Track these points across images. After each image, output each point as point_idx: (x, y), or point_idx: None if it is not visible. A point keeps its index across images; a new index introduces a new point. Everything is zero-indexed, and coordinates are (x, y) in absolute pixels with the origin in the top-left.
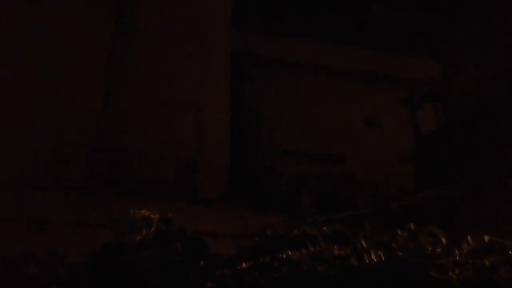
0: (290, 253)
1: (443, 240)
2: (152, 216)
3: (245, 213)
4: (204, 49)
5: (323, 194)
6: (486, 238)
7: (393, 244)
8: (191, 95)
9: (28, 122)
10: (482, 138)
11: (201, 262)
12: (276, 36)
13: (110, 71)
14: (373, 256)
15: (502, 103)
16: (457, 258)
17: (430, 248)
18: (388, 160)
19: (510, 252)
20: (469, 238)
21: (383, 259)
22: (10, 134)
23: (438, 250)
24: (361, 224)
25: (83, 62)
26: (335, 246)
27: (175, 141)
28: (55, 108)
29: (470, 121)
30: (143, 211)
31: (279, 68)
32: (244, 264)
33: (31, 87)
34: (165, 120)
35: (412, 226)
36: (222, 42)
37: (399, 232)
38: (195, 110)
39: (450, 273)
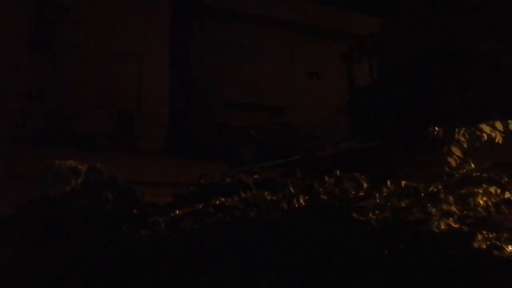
0: (223, 199)
1: (365, 185)
2: (79, 166)
3: (186, 163)
4: None
5: (266, 144)
6: (403, 183)
7: (320, 189)
8: (131, 45)
9: None
10: (412, 93)
11: (134, 211)
12: None
13: (44, 17)
14: (301, 201)
15: (433, 62)
16: (377, 201)
17: (353, 192)
18: (327, 111)
19: (422, 195)
20: (388, 183)
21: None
22: None
23: (361, 194)
24: (294, 172)
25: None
26: (266, 192)
27: (115, 91)
28: None
29: (402, 77)
30: (69, 162)
31: (224, 18)
32: (178, 211)
33: None
34: (104, 70)
35: (338, 172)
36: None
37: (326, 178)
38: (135, 60)
39: (370, 214)
